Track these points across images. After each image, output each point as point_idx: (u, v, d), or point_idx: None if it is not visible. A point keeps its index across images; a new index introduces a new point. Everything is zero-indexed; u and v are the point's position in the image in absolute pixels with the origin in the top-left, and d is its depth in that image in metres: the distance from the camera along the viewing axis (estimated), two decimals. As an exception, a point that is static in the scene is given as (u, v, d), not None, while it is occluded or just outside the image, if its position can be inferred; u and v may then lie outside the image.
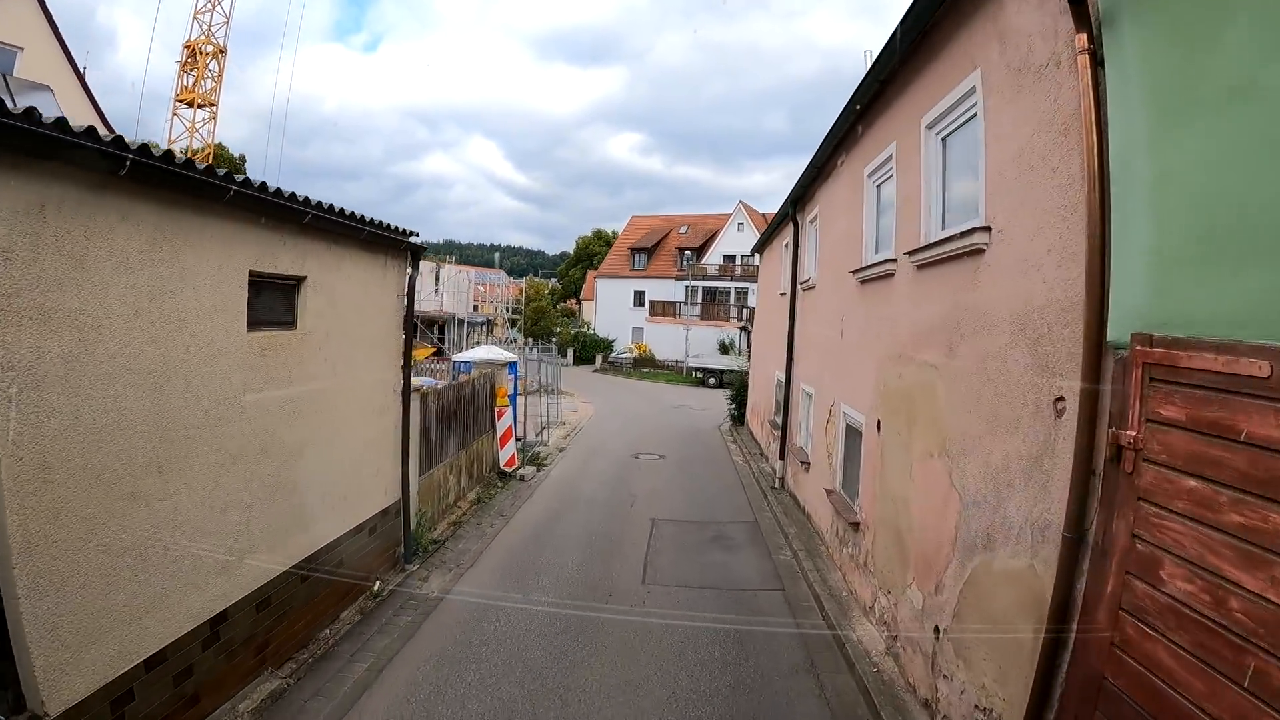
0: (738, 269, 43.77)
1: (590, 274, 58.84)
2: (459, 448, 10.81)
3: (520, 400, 17.24)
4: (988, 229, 4.50)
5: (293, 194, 5.60)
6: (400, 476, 7.84)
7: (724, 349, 37.62)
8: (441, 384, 11.70)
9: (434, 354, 33.46)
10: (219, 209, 4.89)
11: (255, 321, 5.39)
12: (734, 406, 21.10)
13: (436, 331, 35.09)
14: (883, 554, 6.42)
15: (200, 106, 31.80)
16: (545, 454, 15.32)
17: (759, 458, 15.35)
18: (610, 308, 49.28)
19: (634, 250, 50.24)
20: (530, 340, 66.22)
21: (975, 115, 4.95)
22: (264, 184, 5.21)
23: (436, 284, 39.34)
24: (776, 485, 12.34)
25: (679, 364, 37.45)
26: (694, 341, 36.71)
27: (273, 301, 5.67)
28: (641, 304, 45.76)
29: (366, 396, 7.03)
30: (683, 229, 51.44)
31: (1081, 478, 3.41)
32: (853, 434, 7.84)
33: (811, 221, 11.12)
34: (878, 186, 7.46)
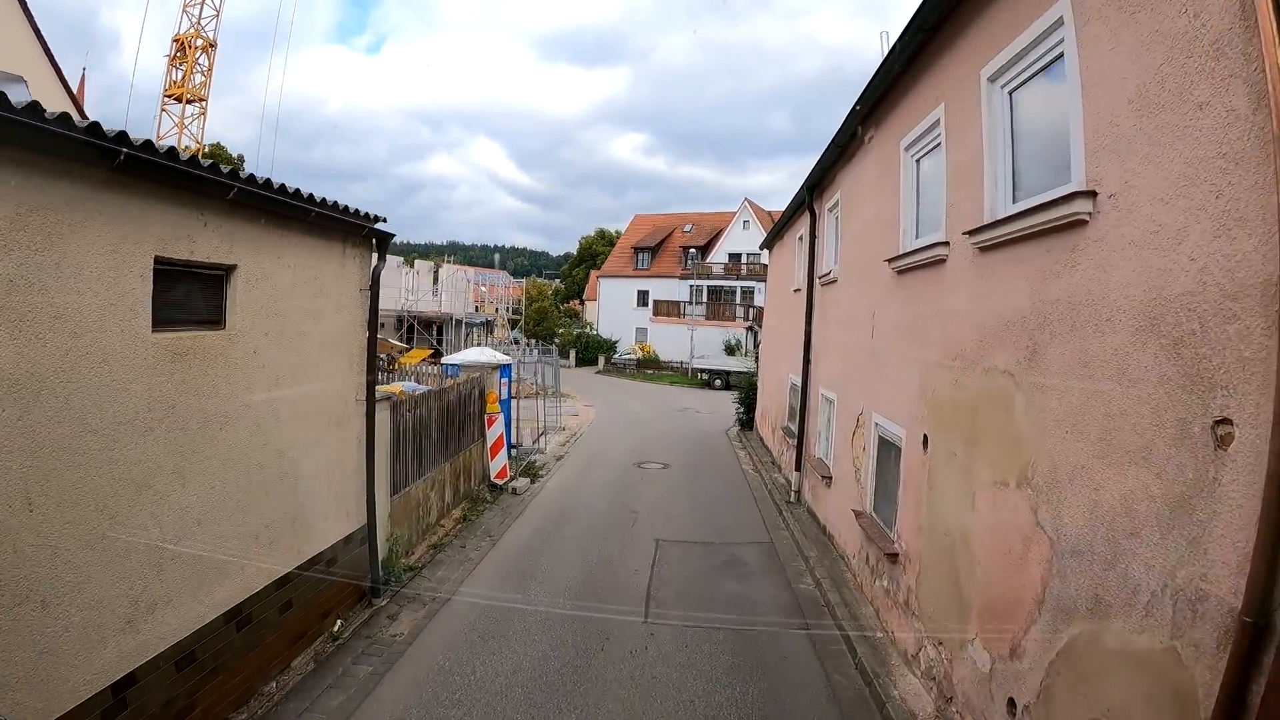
0: (743, 268, 42.69)
1: (594, 274, 57.85)
2: (442, 460, 9.79)
3: (517, 404, 16.26)
4: (1091, 194, 3.45)
5: (214, 164, 4.59)
6: (365, 498, 6.82)
7: (730, 350, 36.54)
8: (425, 389, 10.68)
9: (431, 356, 32.52)
10: (111, 180, 3.88)
11: (165, 320, 4.38)
12: (742, 410, 20.05)
13: (435, 333, 34.14)
14: (931, 595, 5.37)
15: (190, 101, 30.91)
16: (542, 463, 14.30)
17: (770, 466, 14.30)
18: (613, 308, 48.24)
19: (637, 249, 49.20)
20: (533, 341, 65.40)
21: (1061, 55, 3.90)
22: (172, 150, 4.20)
23: (435, 284, 38.50)
24: (792, 499, 11.29)
25: (684, 365, 36.41)
26: (699, 342, 35.66)
27: (190, 295, 4.65)
28: (645, 304, 44.74)
29: (320, 408, 6.02)
30: (687, 228, 50.38)
31: (1274, 539, 2.36)
32: (887, 448, 6.79)
33: (831, 209, 10.07)
34: (917, 161, 6.41)
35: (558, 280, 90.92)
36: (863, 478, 7.54)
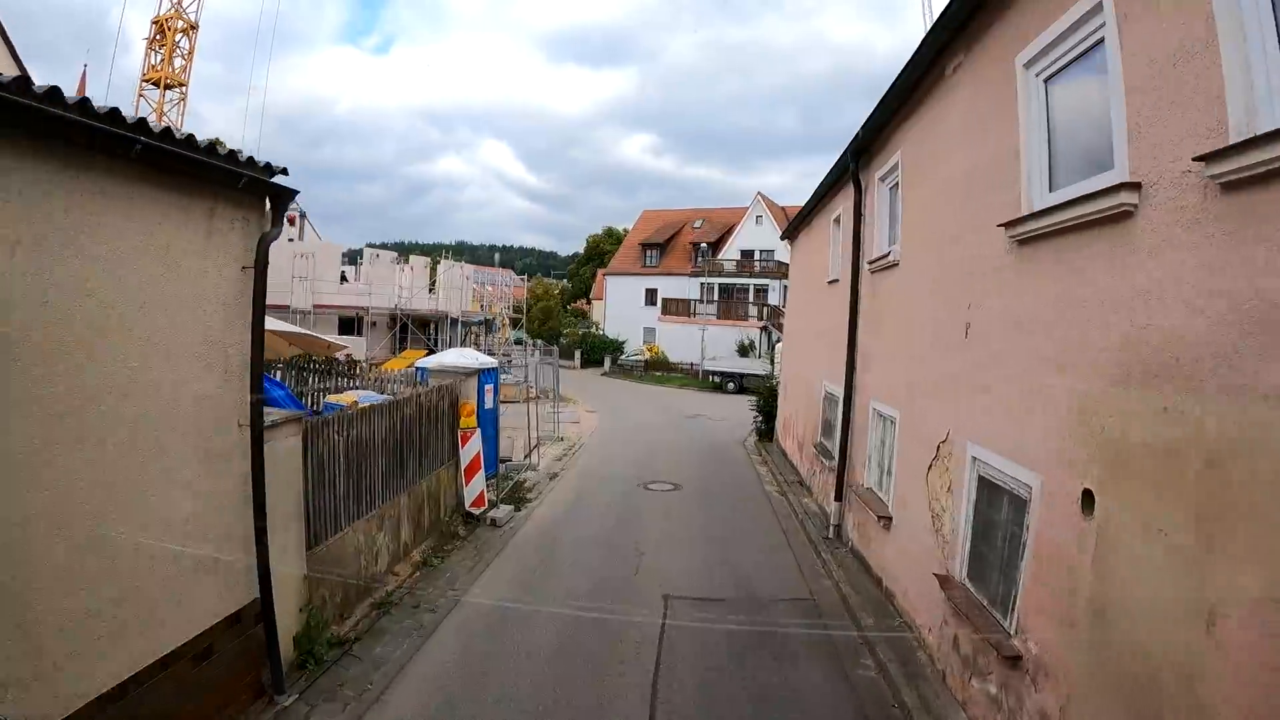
0: (756, 265, 40.62)
1: (600, 273, 55.95)
2: (397, 490, 7.85)
3: (511, 410, 14.34)
4: None
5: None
6: (255, 561, 4.86)
7: (743, 351, 34.49)
8: (388, 399, 8.70)
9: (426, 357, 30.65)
10: None
11: None
12: (760, 418, 18.02)
13: (432, 331, 32.28)
14: (1106, 751, 3.35)
15: (169, 87, 29.21)
16: (532, 483, 12.34)
17: (798, 488, 12.28)
18: (620, 307, 46.29)
19: (645, 246, 47.23)
20: (538, 342, 63.55)
21: None
22: None
23: (432, 282, 36.71)
24: (831, 534, 9.26)
25: (694, 367, 34.39)
26: (710, 343, 33.65)
27: None
28: (653, 303, 42.73)
29: (166, 439, 4.06)
30: (697, 224, 48.38)
31: None
32: (997, 496, 4.77)
33: (885, 177, 8.05)
34: (1046, 81, 4.40)
35: (565, 280, 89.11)
36: (948, 529, 5.52)
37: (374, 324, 31.53)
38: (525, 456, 14.17)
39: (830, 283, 10.88)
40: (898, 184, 7.55)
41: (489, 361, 12.40)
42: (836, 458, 9.42)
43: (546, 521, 9.93)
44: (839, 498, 9.13)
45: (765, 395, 17.80)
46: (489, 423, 12.45)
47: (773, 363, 29.92)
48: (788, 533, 9.72)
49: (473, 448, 9.62)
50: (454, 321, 30.29)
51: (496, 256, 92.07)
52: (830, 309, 10.76)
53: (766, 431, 17.63)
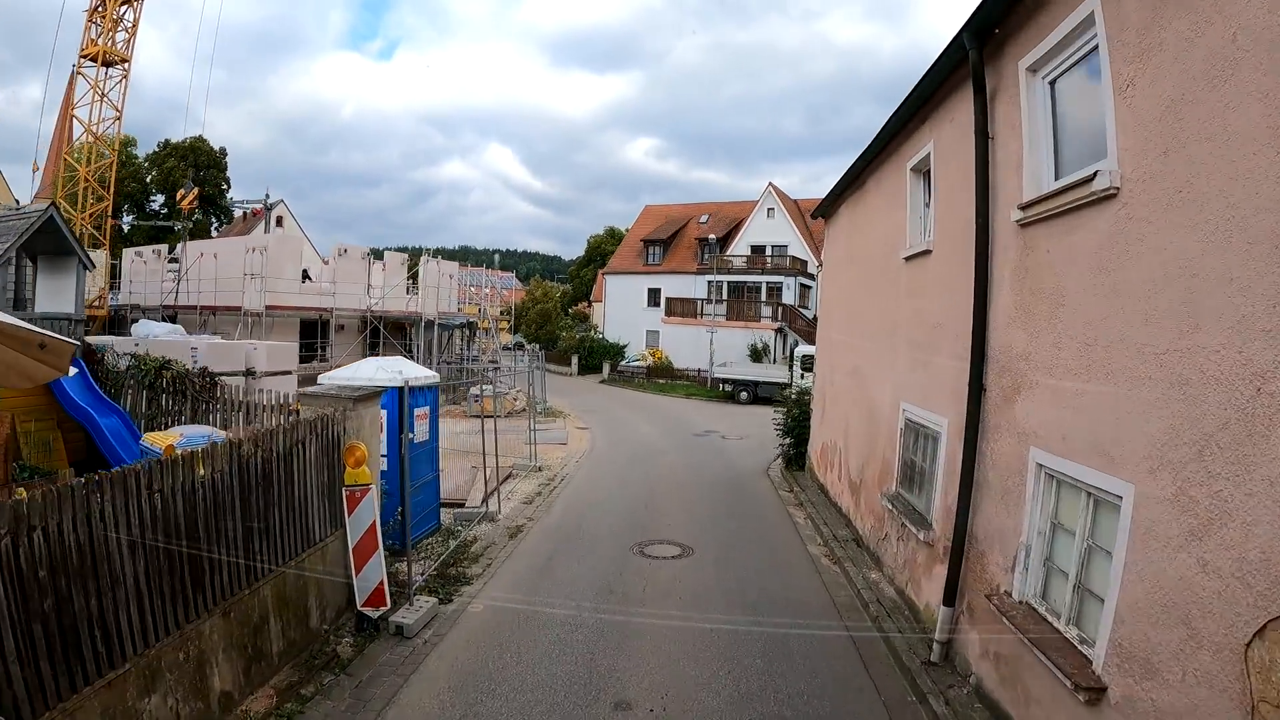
0: (769, 260, 37.13)
1: (601, 273, 52.57)
2: (204, 608, 4.41)
3: (490, 426, 10.99)
4: None
5: None
6: None
7: (756, 355, 31.00)
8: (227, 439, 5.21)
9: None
10: None
11: None
12: (789, 441, 14.50)
13: (410, 336, 28.86)
14: None
15: (110, 63, 25.98)
16: (483, 546, 8.86)
17: (854, 548, 8.78)
18: (621, 308, 42.86)
19: (647, 242, 43.81)
20: (533, 346, 60.16)
21: None
22: None
23: (412, 281, 33.43)
24: (934, 657, 5.75)
25: (701, 374, 30.90)
26: (720, 346, 30.19)
27: None
28: (656, 304, 39.26)
29: None
30: (703, 218, 44.95)
31: None
32: None
33: (1054, 57, 4.58)
34: None
35: (566, 284, 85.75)
36: None
37: (341, 327, 28.20)
38: (485, 500, 10.71)
39: (909, 258, 7.41)
40: (1088, 57, 4.07)
41: (421, 376, 8.95)
42: (940, 531, 5.93)
43: (485, 629, 6.44)
44: (949, 600, 5.62)
45: (794, 412, 14.28)
46: (425, 460, 9.04)
47: (791, 369, 26.41)
48: (860, 646, 6.20)
49: (364, 516, 6.15)
50: (429, 324, 26.87)
51: (496, 258, 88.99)
52: (912, 296, 7.30)
53: (796, 457, 14.13)
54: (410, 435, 8.28)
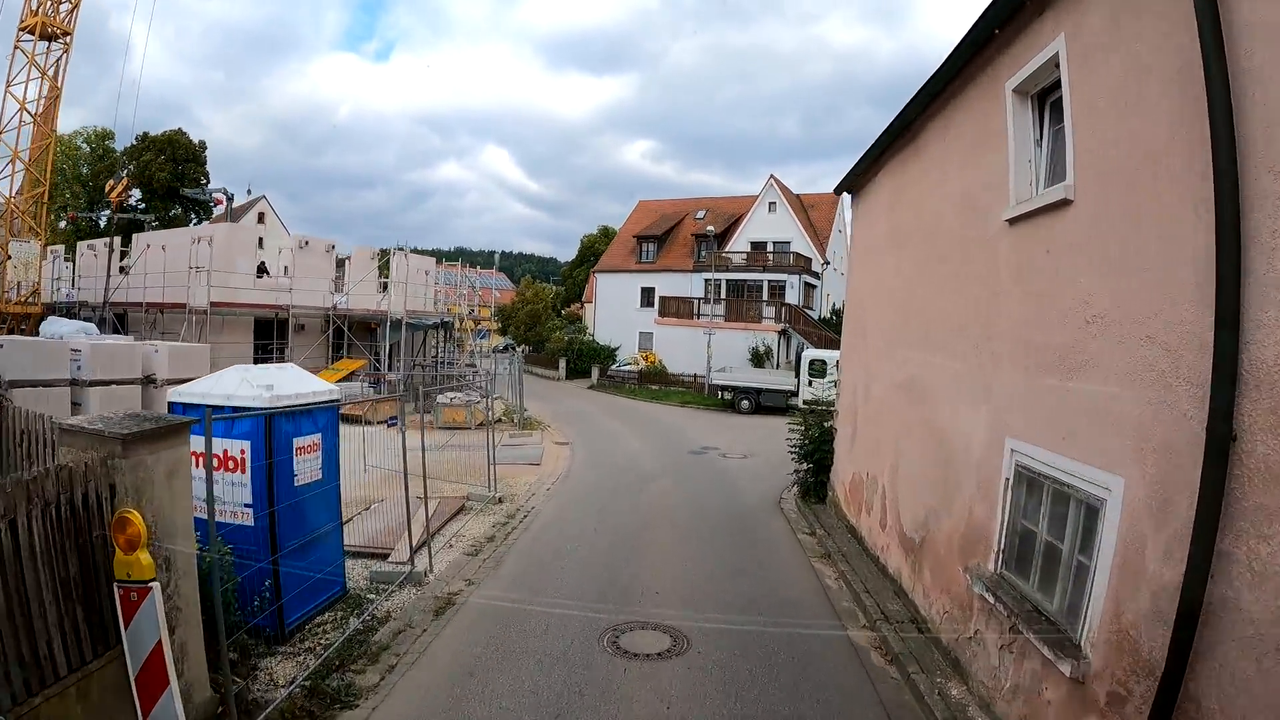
0: (770, 257, 34.64)
1: (593, 272, 50.03)
2: None
3: (454, 439, 8.49)
4: None
5: None
6: None
7: (758, 359, 28.48)
8: None
9: (353, 373, 24.69)
10: None
11: None
12: (806, 467, 11.96)
13: (377, 336, 26.22)
14: None
15: (50, 37, 23.36)
16: (389, 635, 6.23)
17: (912, 631, 6.23)
18: (612, 308, 40.31)
19: (641, 239, 41.28)
20: (521, 348, 57.53)
21: None
22: None
23: (382, 277, 30.92)
24: None
25: (697, 380, 28.37)
26: (718, 350, 27.68)
27: None
28: (650, 303, 36.69)
29: None
30: (699, 213, 42.45)
31: None
32: None
33: None
34: None
35: (559, 284, 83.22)
36: None
37: (302, 327, 25.58)
38: (415, 551, 8.10)
39: (1018, 220, 4.88)
40: None
41: (305, 392, 6.36)
42: (1104, 667, 3.39)
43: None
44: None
45: (814, 433, 11.73)
46: (318, 506, 6.46)
47: (798, 375, 23.90)
48: None
49: (145, 631, 3.57)
50: (396, 324, 24.26)
51: (497, 258, 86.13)
52: (1027, 277, 4.77)
53: (816, 486, 11.58)
54: (295, 474, 5.75)
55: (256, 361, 24.37)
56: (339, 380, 24.12)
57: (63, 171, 45.66)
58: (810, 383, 23.25)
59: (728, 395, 24.15)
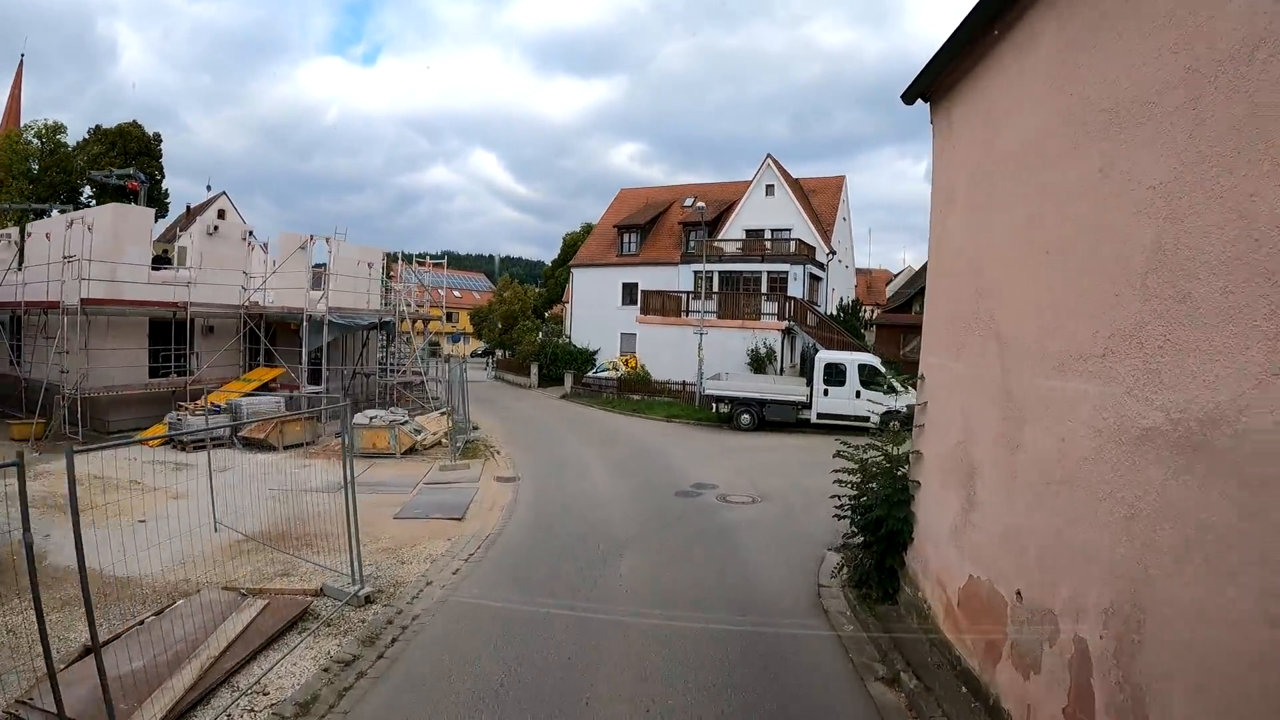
0: (768, 245, 30.33)
1: (570, 266, 45.62)
2: None
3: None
4: None
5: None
6: None
7: (758, 363, 24.13)
8: None
9: (276, 380, 20.13)
10: None
11: None
12: (866, 541, 7.49)
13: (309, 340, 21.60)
14: None
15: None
16: None
17: None
18: (591, 307, 35.90)
19: (622, 229, 36.92)
20: (496, 352, 52.95)
21: None
22: None
23: (319, 269, 26.32)
24: None
25: (687, 388, 24.00)
26: (711, 352, 23.36)
27: None
28: (633, 300, 32.23)
29: None
30: (687, 201, 38.08)
31: None
32: None
33: None
34: None
35: (542, 286, 78.63)
36: None
37: (211, 329, 20.98)
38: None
39: None
40: None
41: None
42: None
43: None
44: None
45: (883, 488, 7.22)
46: None
47: (811, 382, 19.57)
48: None
49: None
50: (319, 324, 19.68)
51: (496, 261, 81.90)
52: None
53: (879, 573, 7.13)
54: None
55: (153, 373, 19.82)
56: (248, 394, 19.59)
57: (9, 168, 42.09)
58: (826, 392, 18.92)
59: (724, 408, 19.78)
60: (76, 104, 79.71)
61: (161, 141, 47.53)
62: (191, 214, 43.76)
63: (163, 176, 49.11)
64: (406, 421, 16.05)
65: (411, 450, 15.84)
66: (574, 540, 9.28)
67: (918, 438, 6.85)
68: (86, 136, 43.86)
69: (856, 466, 7.43)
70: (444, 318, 75.07)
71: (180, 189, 59.45)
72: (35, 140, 47.72)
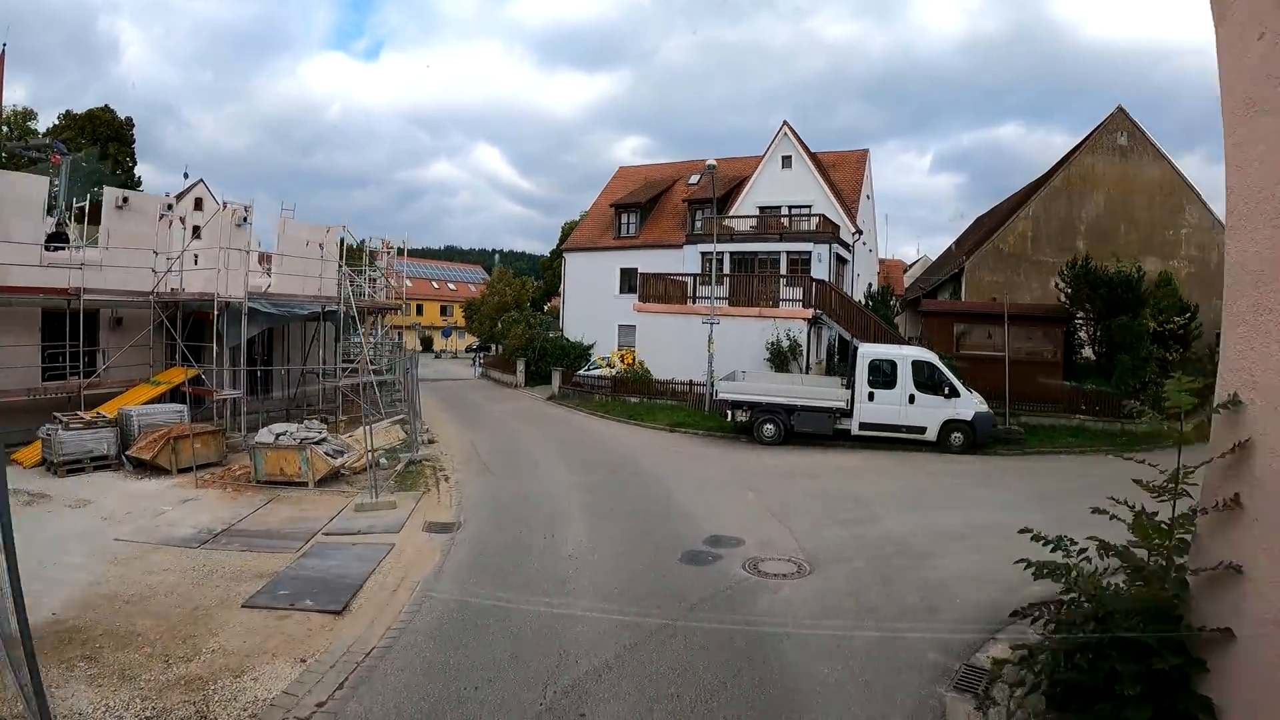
0: (785, 223, 26.32)
1: (562, 250, 41.65)
2: None
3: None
4: None
5: None
6: None
7: (780, 359, 20.15)
8: None
9: (187, 386, 16.27)
10: None
11: None
12: (1093, 664, 3.54)
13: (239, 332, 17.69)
14: None
15: None
16: None
17: None
18: (585, 296, 32.04)
19: (620, 209, 32.97)
20: (489, 347, 49.12)
21: None
22: None
23: (266, 249, 22.68)
24: None
25: (694, 389, 20.08)
26: (723, 344, 19.43)
27: None
28: (632, 289, 28.20)
29: None
30: (693, 178, 34.15)
31: None
32: None
33: None
34: None
35: (539, 279, 74.80)
36: None
37: (119, 321, 17.13)
38: None
39: None
40: None
41: None
42: None
43: None
44: None
45: (1139, 586, 3.29)
46: None
47: (852, 383, 15.60)
48: None
49: None
50: (238, 312, 15.74)
51: (497, 257, 78.87)
52: None
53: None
54: None
55: (50, 375, 15.97)
56: (148, 401, 15.80)
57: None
58: (872, 396, 14.96)
59: (741, 415, 15.82)
60: (80, 101, 78.56)
61: (134, 127, 45.22)
62: (177, 200, 42.18)
63: (134, 163, 46.26)
64: (323, 439, 12.16)
65: (335, 476, 11.99)
66: (506, 668, 5.38)
67: (1246, 498, 2.91)
68: (56, 122, 42.07)
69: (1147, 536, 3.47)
70: (440, 310, 71.25)
71: (172, 184, 56.67)
72: (4, 128, 45.34)
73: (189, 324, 17.00)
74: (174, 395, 15.47)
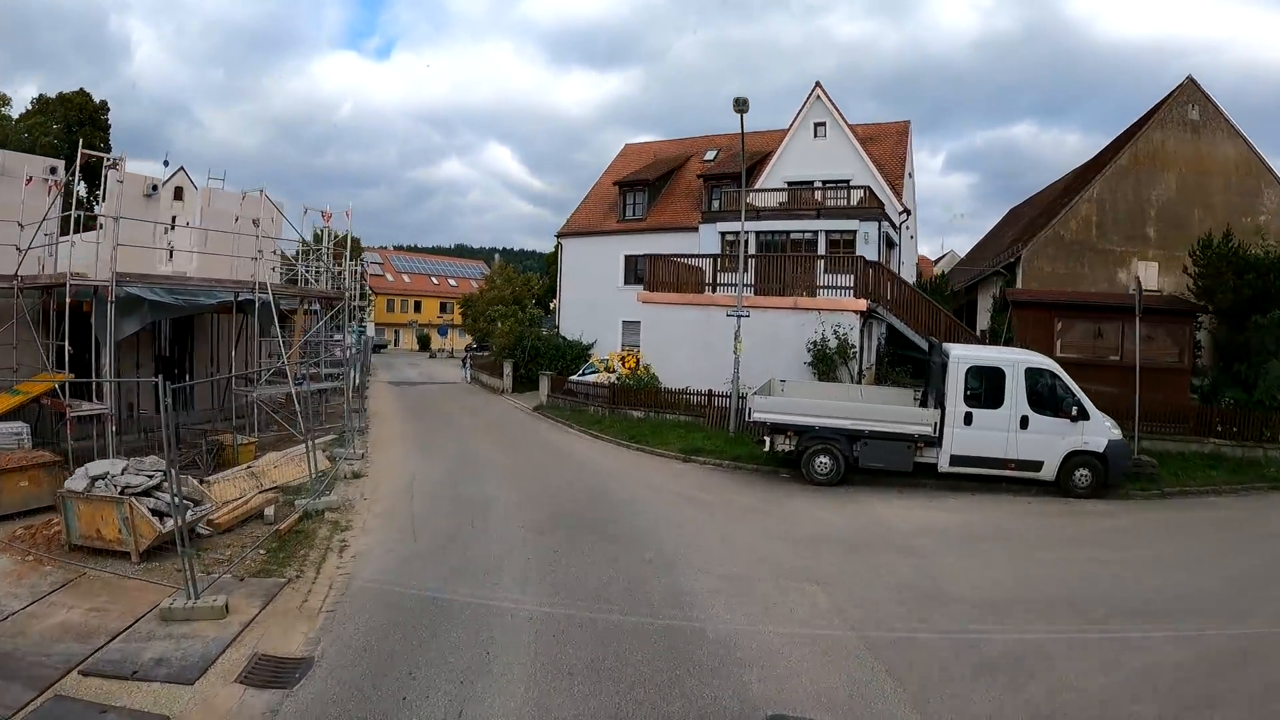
0: (820, 195, 21.95)
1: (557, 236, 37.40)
2: None
3: None
4: None
5: None
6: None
7: (824, 364, 15.79)
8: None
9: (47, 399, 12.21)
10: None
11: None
12: None
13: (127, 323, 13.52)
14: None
15: None
16: None
17: None
18: (584, 287, 27.83)
19: (625, 187, 28.67)
20: (479, 348, 45.08)
21: None
22: None
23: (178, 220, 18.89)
24: None
25: (714, 401, 15.80)
26: (751, 343, 15.17)
27: None
28: (639, 279, 23.86)
29: None
30: (709, 153, 29.88)
31: None
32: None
33: None
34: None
35: (544, 275, 70.73)
36: None
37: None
38: None
39: None
40: None
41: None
42: None
43: None
44: None
45: None
46: None
47: (941, 399, 11.29)
48: None
49: None
50: (138, 301, 11.58)
51: (496, 255, 75.68)
52: None
53: None
54: None
55: None
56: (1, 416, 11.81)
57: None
58: (969, 418, 10.64)
59: (784, 443, 11.52)
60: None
61: (109, 111, 42.27)
62: (152, 190, 39.40)
63: (109, 148, 43.33)
64: (157, 483, 8.00)
65: (159, 545, 7.80)
66: None
67: None
68: (30, 107, 38.83)
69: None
70: (440, 308, 67.20)
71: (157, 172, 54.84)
72: (-34, 115, 43.23)
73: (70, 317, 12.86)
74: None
